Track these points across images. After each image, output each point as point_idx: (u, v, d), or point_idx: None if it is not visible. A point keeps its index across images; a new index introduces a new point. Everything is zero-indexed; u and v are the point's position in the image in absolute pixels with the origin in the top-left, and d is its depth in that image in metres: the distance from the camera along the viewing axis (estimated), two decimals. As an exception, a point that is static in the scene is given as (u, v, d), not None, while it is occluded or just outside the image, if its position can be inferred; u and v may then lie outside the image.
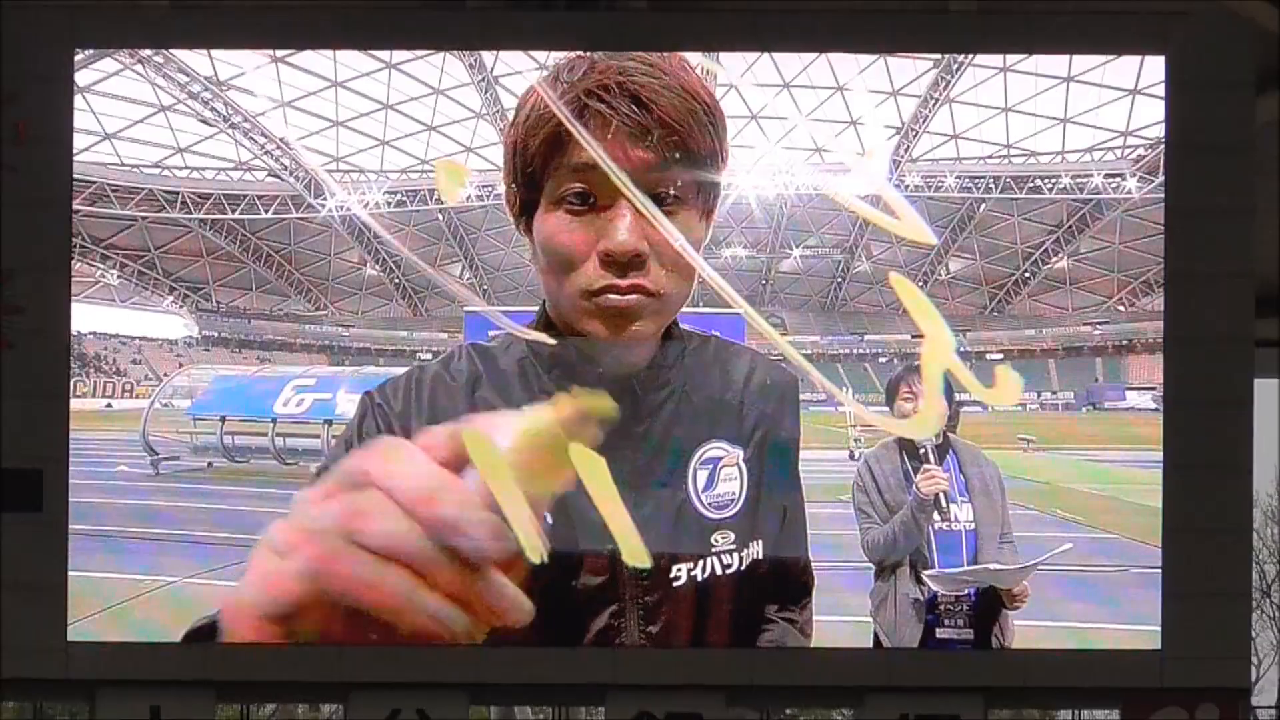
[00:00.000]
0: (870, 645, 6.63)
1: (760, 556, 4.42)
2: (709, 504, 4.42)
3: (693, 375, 4.35)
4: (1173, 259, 6.60)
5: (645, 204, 3.95)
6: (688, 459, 4.41)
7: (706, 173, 4.08)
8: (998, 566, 6.54)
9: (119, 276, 7.91)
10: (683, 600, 4.25)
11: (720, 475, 4.44)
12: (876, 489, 6.58)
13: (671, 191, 4.04)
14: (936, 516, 6.54)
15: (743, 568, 4.37)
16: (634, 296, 4.01)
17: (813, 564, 4.90)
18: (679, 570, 4.29)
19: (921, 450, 6.55)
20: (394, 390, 4.23)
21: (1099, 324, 8.59)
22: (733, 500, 4.44)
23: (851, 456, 6.98)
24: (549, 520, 4.07)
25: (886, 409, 6.73)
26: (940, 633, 6.60)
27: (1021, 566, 6.57)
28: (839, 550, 6.47)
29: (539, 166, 4.03)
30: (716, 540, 4.38)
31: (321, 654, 5.39)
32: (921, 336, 3.30)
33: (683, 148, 4.00)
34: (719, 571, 4.34)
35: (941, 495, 6.54)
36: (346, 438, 4.25)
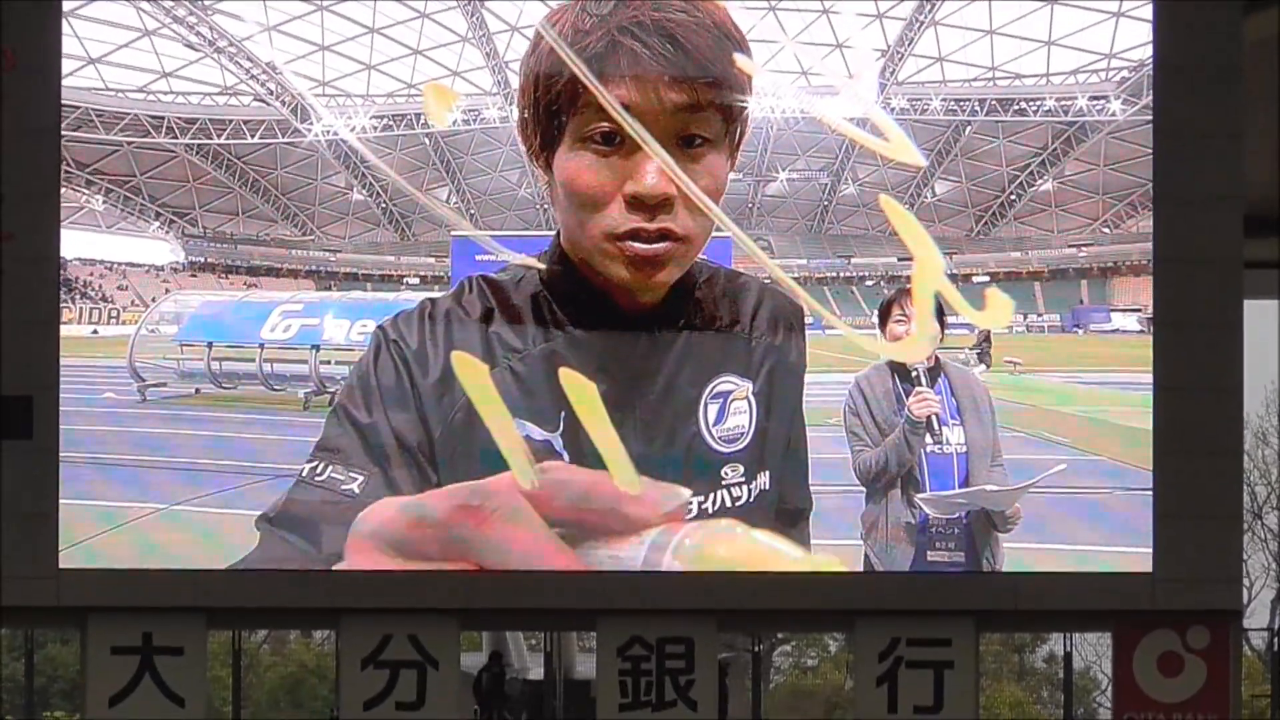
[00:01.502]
0: (862, 569, 6.63)
1: (767, 488, 4.42)
2: (719, 437, 4.40)
3: (703, 310, 4.33)
4: (1161, 181, 6.58)
5: (658, 150, 3.90)
6: (699, 393, 4.39)
7: (737, 112, 4.04)
8: (994, 488, 6.53)
9: (104, 202, 7.88)
10: None
11: (730, 409, 4.42)
12: (869, 411, 6.57)
13: (705, 134, 4.00)
14: (928, 439, 6.53)
15: (751, 499, 4.36)
16: (663, 244, 3.99)
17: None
18: (690, 504, 4.28)
19: (914, 373, 6.53)
20: (407, 325, 4.21)
21: (1084, 246, 8.59)
22: (742, 433, 4.42)
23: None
24: (561, 449, 4.06)
25: (877, 332, 6.72)
26: (931, 556, 6.59)
27: (1016, 488, 6.57)
28: (832, 473, 6.46)
29: (564, 103, 3.98)
30: (727, 474, 4.37)
31: (313, 580, 5.37)
32: (909, 259, 3.30)
33: (717, 88, 3.95)
34: (729, 504, 4.34)
35: (933, 418, 6.53)
36: (361, 371, 4.23)
